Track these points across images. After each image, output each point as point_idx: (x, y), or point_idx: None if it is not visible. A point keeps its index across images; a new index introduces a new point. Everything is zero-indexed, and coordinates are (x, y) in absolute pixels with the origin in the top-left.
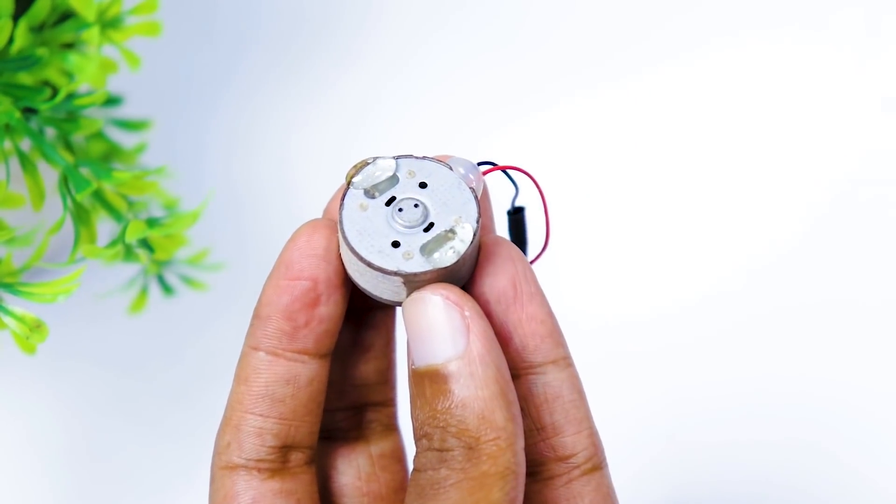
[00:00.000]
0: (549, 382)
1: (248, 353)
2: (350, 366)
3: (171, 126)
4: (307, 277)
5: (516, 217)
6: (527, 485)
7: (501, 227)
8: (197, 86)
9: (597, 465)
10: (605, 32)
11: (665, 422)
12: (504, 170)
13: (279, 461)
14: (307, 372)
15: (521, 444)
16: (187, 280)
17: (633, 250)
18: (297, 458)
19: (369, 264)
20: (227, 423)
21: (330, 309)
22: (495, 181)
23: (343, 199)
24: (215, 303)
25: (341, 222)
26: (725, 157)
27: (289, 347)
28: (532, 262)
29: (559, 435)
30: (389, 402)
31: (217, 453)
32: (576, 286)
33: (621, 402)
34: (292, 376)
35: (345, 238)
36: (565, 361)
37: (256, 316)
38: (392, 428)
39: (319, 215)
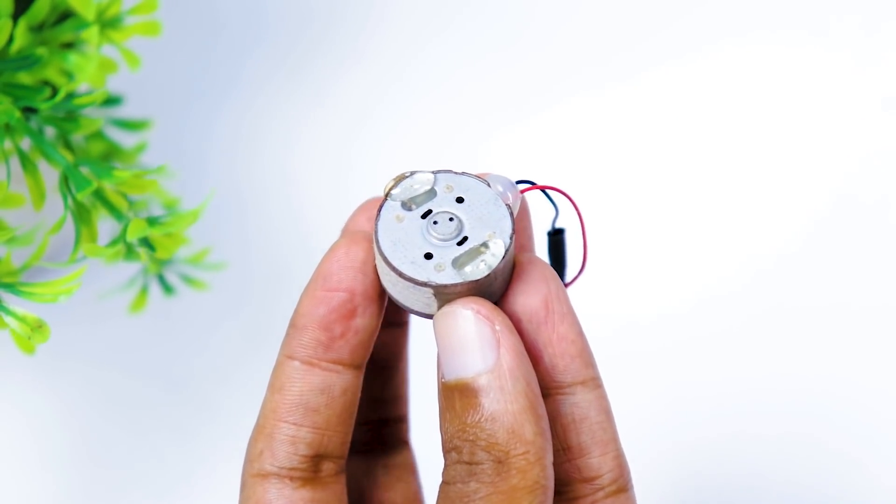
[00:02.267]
0: (576, 403)
1: (283, 361)
2: (365, 383)
3: (172, 126)
4: (344, 289)
5: (556, 238)
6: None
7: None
8: (197, 85)
9: (622, 487)
10: (609, 34)
11: (672, 421)
12: (543, 189)
13: (311, 470)
14: (341, 382)
15: (549, 458)
16: (188, 279)
17: (633, 253)
18: (328, 467)
19: (401, 274)
20: (261, 431)
21: (366, 321)
22: (539, 203)
23: (380, 210)
24: (216, 302)
25: (376, 232)
26: (729, 158)
27: (324, 357)
28: (568, 285)
29: (585, 456)
30: (403, 419)
31: (249, 461)
32: (579, 290)
33: (629, 404)
34: (327, 386)
35: (379, 248)
36: (594, 382)
37: (293, 325)
38: (405, 442)
39: (319, 215)
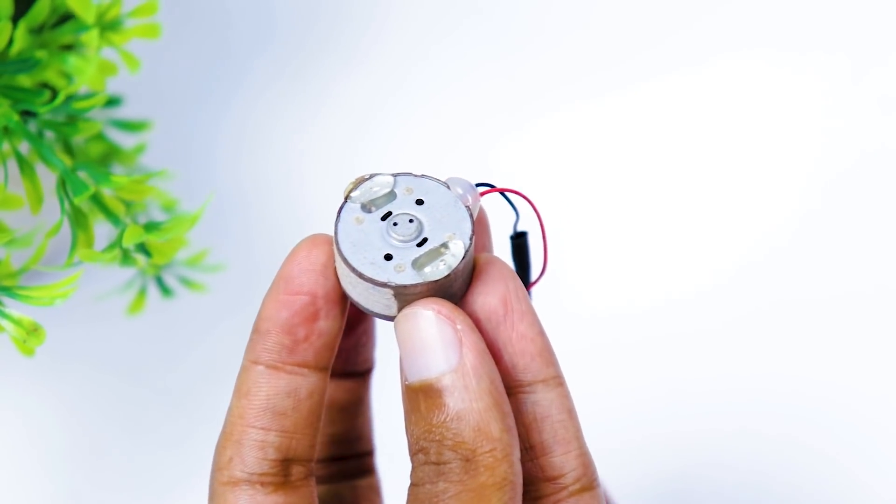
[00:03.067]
0: (537, 402)
1: (248, 367)
2: (327, 424)
3: (171, 127)
4: (306, 292)
5: (518, 242)
6: None
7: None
8: (198, 86)
9: (586, 485)
10: (614, 37)
11: (663, 418)
12: (502, 192)
13: (281, 475)
14: (307, 385)
15: (517, 454)
16: (186, 282)
17: (631, 252)
18: (298, 471)
19: (360, 275)
20: (228, 438)
21: (329, 323)
22: (501, 206)
23: (339, 212)
24: (214, 304)
25: (336, 234)
26: (726, 164)
27: (289, 361)
28: (530, 287)
29: (547, 455)
30: (369, 452)
31: (218, 469)
32: (577, 290)
33: (622, 400)
34: (293, 389)
35: (338, 249)
36: (555, 381)
37: (256, 330)
38: (371, 470)
39: (319, 217)
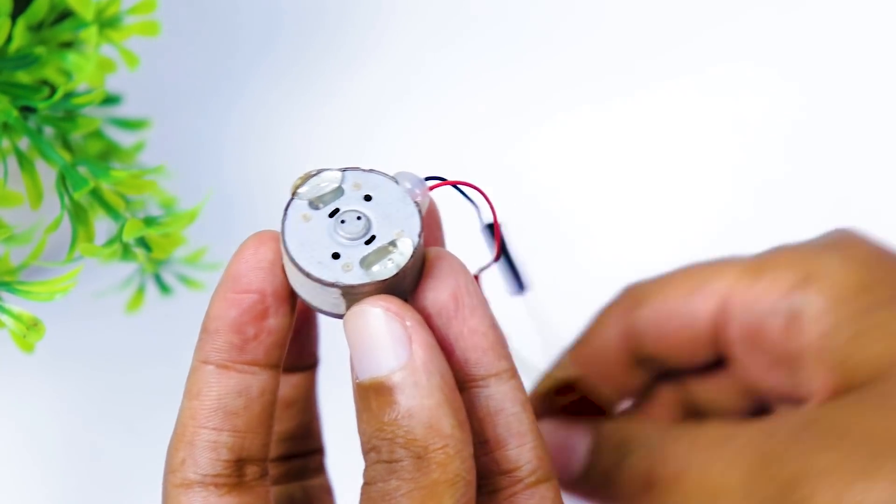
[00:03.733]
0: (491, 395)
1: (198, 367)
2: (276, 422)
3: (170, 125)
4: (255, 290)
5: (492, 232)
6: None
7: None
8: (196, 85)
9: (542, 477)
10: (619, 43)
11: None
12: (454, 185)
13: (235, 476)
14: (258, 383)
15: (469, 450)
16: (184, 279)
17: (635, 248)
18: (252, 471)
19: (308, 275)
20: (180, 440)
21: (278, 321)
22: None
23: (286, 209)
24: None
25: (283, 233)
26: (728, 165)
27: (238, 359)
28: (477, 275)
29: (502, 448)
30: (318, 451)
31: (171, 471)
32: (583, 286)
33: None
34: (244, 388)
35: (286, 248)
36: (508, 374)
37: (205, 330)
38: (321, 470)
39: None
